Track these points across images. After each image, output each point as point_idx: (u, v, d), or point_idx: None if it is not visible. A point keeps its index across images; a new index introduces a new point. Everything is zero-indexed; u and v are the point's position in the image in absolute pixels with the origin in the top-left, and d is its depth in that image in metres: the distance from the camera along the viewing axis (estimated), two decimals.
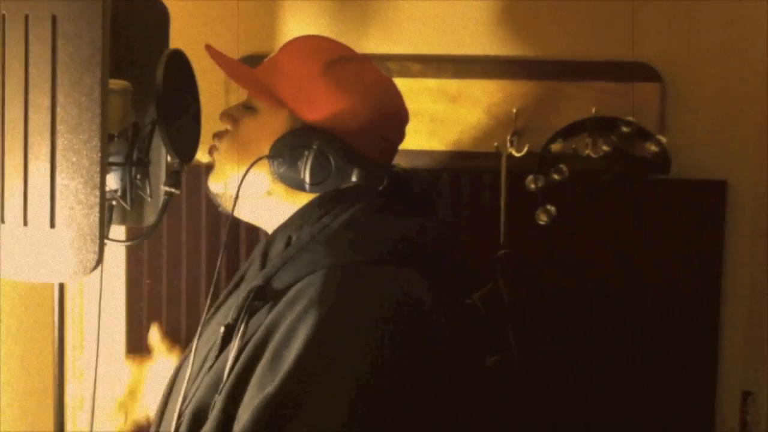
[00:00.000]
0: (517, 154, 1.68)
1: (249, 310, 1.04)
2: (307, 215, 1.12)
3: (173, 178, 1.17)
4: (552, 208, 1.62)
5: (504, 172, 1.68)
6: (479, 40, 1.71)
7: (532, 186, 1.65)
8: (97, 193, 1.01)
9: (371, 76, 1.18)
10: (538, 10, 1.69)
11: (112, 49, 1.27)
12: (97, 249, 1.02)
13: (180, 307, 1.74)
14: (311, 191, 1.12)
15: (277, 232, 1.15)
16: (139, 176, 1.20)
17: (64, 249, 1.01)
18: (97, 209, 1.01)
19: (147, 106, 1.28)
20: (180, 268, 1.74)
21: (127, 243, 1.17)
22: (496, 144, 1.69)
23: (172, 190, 1.17)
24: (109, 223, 1.21)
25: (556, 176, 1.64)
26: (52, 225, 1.01)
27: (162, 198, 1.20)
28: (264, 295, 1.05)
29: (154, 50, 1.34)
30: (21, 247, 1.03)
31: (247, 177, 1.13)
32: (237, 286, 1.17)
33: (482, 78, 1.70)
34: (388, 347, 0.97)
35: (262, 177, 1.15)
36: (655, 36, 1.68)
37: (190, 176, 1.69)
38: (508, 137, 1.68)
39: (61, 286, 1.22)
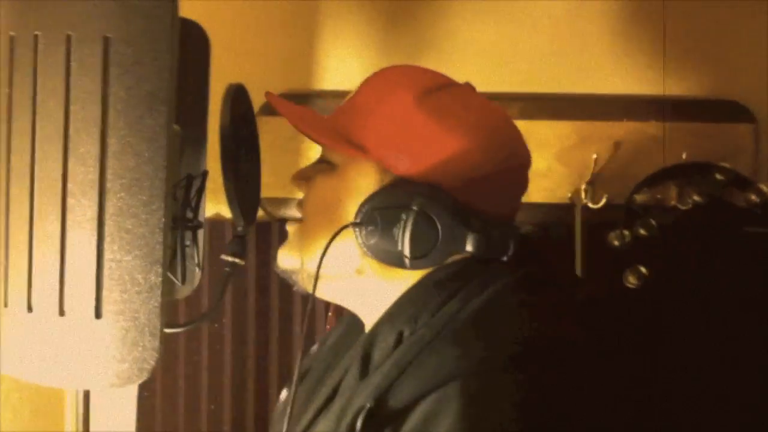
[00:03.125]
0: (593, 206, 1.46)
1: None
2: (422, 301, 0.85)
3: (238, 244, 0.92)
4: (643, 269, 1.40)
5: (579, 226, 1.46)
6: (548, 75, 1.50)
7: (616, 242, 1.43)
8: (159, 270, 0.76)
9: (478, 104, 0.91)
10: (614, 43, 1.49)
11: None
12: (157, 345, 0.77)
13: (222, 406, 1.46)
14: (413, 267, 0.86)
15: (381, 325, 0.87)
16: (188, 242, 0.96)
17: (113, 346, 0.76)
18: (158, 292, 0.76)
19: (189, 154, 1.04)
20: (222, 353, 1.46)
21: (184, 328, 0.91)
22: (569, 194, 1.47)
23: (237, 260, 0.92)
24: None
25: (642, 231, 1.42)
26: (98, 314, 0.76)
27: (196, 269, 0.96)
28: (378, 420, 0.78)
29: (193, 85, 1.11)
30: (54, 343, 0.77)
31: (331, 251, 0.87)
32: (330, 400, 0.87)
33: (552, 118, 1.49)
34: None
35: (349, 250, 0.88)
36: (746, 72, 1.49)
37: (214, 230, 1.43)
38: (583, 186, 1.47)
39: (87, 392, 0.95)
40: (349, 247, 0.88)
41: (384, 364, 0.81)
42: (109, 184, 0.75)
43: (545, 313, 0.84)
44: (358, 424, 0.77)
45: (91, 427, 0.95)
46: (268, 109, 1.48)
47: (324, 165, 0.93)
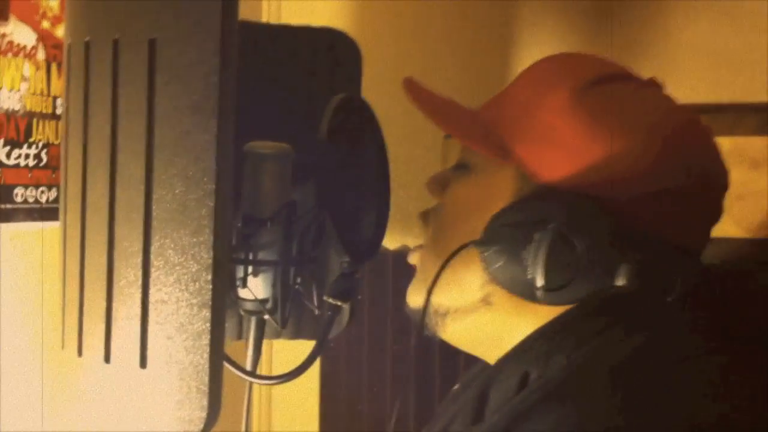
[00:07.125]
0: None
1: None
2: (556, 338, 0.68)
3: (340, 285, 0.78)
4: None
5: None
6: None
7: None
8: (207, 315, 0.63)
9: (656, 104, 0.73)
10: None
11: (277, 97, 0.94)
12: (205, 404, 0.64)
13: None
14: (546, 301, 0.68)
15: (505, 362, 0.72)
16: (299, 279, 0.83)
17: (158, 401, 0.65)
18: (206, 341, 0.64)
19: None
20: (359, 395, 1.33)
21: (281, 381, 0.78)
22: None
23: (337, 302, 0.78)
24: (259, 345, 0.84)
25: None
26: (143, 364, 0.65)
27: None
28: None
29: None
30: (99, 392, 0.68)
31: (453, 275, 0.72)
32: None
33: None
34: None
35: (474, 276, 0.72)
36: None
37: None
38: None
39: None
40: (474, 271, 0.72)
41: (500, 410, 0.67)
42: (155, 212, 0.64)
43: (704, 380, 0.64)
44: None
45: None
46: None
47: (460, 169, 0.77)
